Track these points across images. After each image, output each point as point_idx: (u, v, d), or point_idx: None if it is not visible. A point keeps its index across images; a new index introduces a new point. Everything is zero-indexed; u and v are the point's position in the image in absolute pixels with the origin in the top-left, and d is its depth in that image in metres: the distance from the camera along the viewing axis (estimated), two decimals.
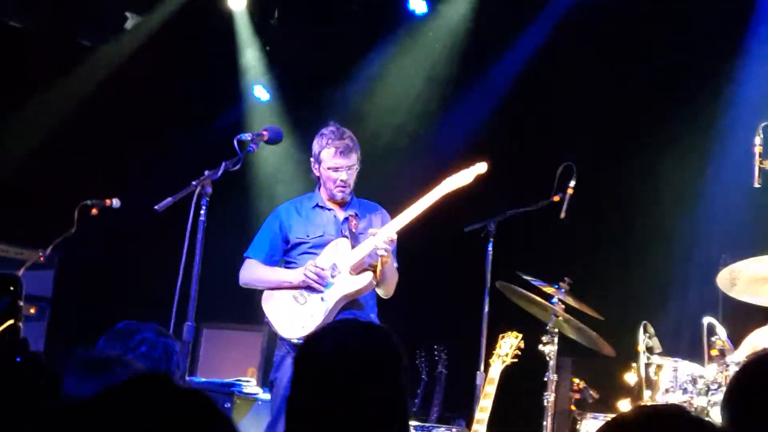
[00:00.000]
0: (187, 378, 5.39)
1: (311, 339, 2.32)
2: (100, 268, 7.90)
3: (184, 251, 4.33)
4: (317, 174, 5.07)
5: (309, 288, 4.90)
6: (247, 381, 6.37)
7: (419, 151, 7.88)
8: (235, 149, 4.43)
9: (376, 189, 5.66)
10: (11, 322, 2.04)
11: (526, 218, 5.90)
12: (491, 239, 5.68)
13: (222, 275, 5.95)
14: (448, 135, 7.90)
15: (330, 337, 2.23)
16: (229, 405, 6.07)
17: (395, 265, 5.08)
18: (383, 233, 4.87)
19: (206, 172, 4.37)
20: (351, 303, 4.95)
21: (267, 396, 6.09)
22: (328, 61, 8.00)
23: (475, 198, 7.62)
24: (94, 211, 5.61)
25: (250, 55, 8.05)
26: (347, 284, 4.89)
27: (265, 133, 4.53)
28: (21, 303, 2.11)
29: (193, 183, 4.35)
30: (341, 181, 4.98)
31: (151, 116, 8.01)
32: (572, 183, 5.63)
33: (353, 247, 4.97)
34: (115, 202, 5.77)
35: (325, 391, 2.12)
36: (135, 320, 2.98)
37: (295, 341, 4.87)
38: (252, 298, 6.13)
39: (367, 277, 4.89)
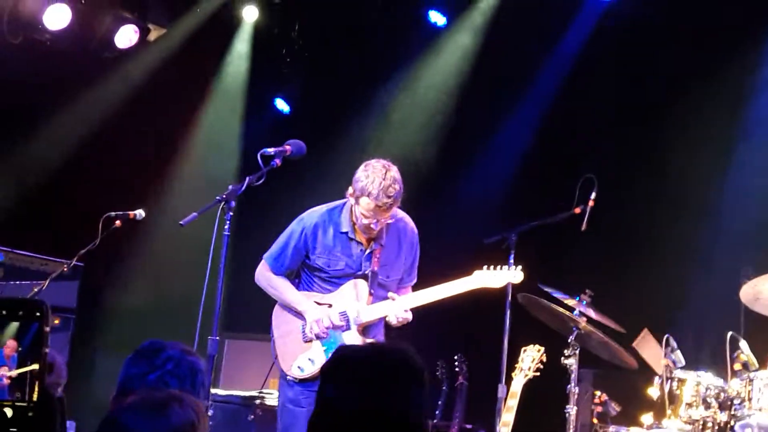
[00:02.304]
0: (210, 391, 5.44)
1: (341, 360, 2.33)
2: (125, 279, 7.97)
3: (209, 266, 4.36)
4: (354, 204, 4.87)
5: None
6: (270, 393, 6.40)
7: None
8: (258, 164, 4.47)
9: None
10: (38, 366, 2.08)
11: (547, 230, 5.90)
12: (512, 251, 5.67)
13: (246, 286, 6.00)
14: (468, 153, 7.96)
15: (361, 358, 2.27)
16: (252, 417, 6.10)
17: (413, 282, 5.12)
18: (405, 303, 4.87)
19: (230, 187, 4.41)
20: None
21: None
22: (349, 77, 8.05)
23: (497, 209, 7.69)
24: (118, 223, 5.65)
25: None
26: (353, 340, 4.88)
27: (288, 147, 4.54)
28: (47, 329, 2.13)
29: (217, 198, 4.39)
30: (370, 229, 4.87)
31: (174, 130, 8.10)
32: (593, 195, 5.62)
33: (371, 289, 4.91)
34: (139, 214, 5.81)
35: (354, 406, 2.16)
36: (159, 332, 3.00)
37: (289, 378, 4.91)
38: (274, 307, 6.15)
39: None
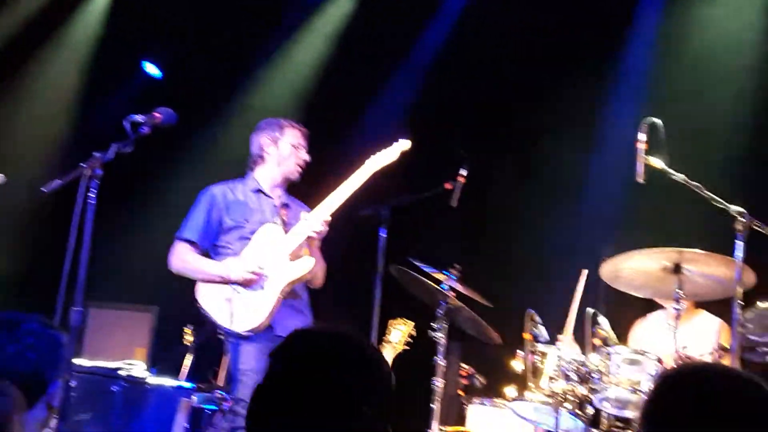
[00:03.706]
0: (73, 361, 5.28)
1: (298, 341, 2.25)
2: None
3: (72, 234, 4.22)
4: (268, 154, 5.13)
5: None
6: (135, 364, 6.27)
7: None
8: (126, 131, 4.34)
9: None
10: None
11: (419, 205, 5.95)
12: (384, 225, 5.71)
13: (111, 255, 5.84)
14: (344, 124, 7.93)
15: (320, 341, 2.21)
16: (116, 388, 5.97)
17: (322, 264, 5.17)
18: (317, 215, 4.93)
19: (96, 154, 4.27)
20: (288, 293, 4.94)
21: (156, 380, 6.03)
22: (224, 41, 7.89)
23: (369, 184, 7.70)
24: None
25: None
26: (290, 271, 4.89)
27: (158, 115, 4.43)
28: None
29: (82, 165, 4.25)
30: (303, 160, 5.14)
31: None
32: (464, 171, 5.70)
33: (285, 230, 4.99)
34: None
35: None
36: (18, 304, 2.90)
37: (244, 334, 4.85)
38: (141, 277, 6.05)
39: (310, 262, 4.90)
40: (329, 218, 4.98)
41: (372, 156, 5.16)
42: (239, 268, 4.89)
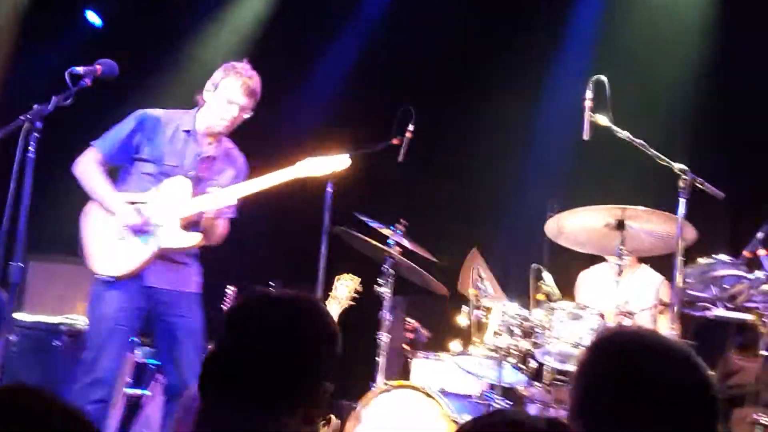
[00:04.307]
0: (14, 316, 5.21)
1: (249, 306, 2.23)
2: None
3: (11, 189, 4.13)
4: (204, 99, 4.97)
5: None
6: (77, 318, 6.21)
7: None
8: (66, 83, 4.23)
9: None
10: None
11: (366, 160, 5.93)
12: (331, 180, 5.68)
13: (52, 209, 5.73)
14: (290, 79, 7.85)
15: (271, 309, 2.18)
16: (58, 343, 5.91)
17: (231, 216, 5.04)
18: (225, 195, 4.80)
19: (35, 107, 4.16)
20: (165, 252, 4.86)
21: None
22: None
23: (316, 138, 7.64)
24: None
25: None
26: (172, 239, 4.79)
27: (99, 67, 4.31)
28: None
29: (21, 118, 4.13)
30: (231, 117, 4.93)
31: None
32: (411, 126, 5.68)
33: (194, 192, 4.86)
34: None
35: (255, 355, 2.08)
36: None
37: (104, 278, 4.76)
38: None
39: (193, 239, 4.80)
40: (235, 202, 4.86)
41: (308, 159, 4.91)
42: (127, 214, 4.77)
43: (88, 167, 4.91)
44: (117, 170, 5.01)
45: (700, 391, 1.93)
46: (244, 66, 5.00)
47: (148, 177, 4.88)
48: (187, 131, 4.96)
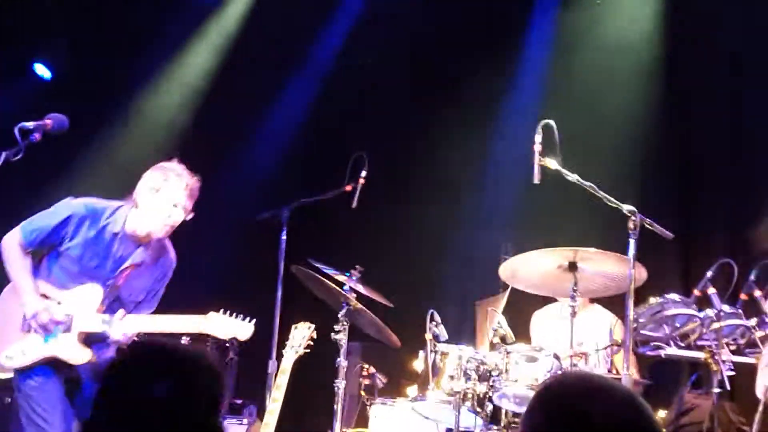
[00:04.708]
0: None
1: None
2: None
3: None
4: (138, 202, 4.76)
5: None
6: None
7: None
8: (15, 138, 4.19)
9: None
10: None
11: (319, 207, 5.95)
12: (285, 227, 5.69)
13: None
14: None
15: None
16: (9, 400, 5.81)
17: (124, 344, 4.77)
18: (124, 327, 4.64)
19: None
20: None
21: None
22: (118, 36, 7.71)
23: (268, 186, 7.66)
24: None
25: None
26: (65, 351, 4.62)
27: (49, 122, 4.26)
28: None
29: None
30: (174, 221, 4.77)
31: None
32: (363, 173, 5.72)
33: (105, 300, 4.72)
34: None
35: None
36: None
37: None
38: None
39: (84, 356, 4.63)
40: (131, 336, 4.69)
41: (218, 315, 4.67)
42: (33, 307, 4.63)
43: (12, 252, 4.76)
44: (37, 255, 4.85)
45: (644, 431, 1.95)
46: (179, 167, 4.84)
47: (68, 273, 4.76)
48: (115, 234, 4.78)
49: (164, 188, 4.76)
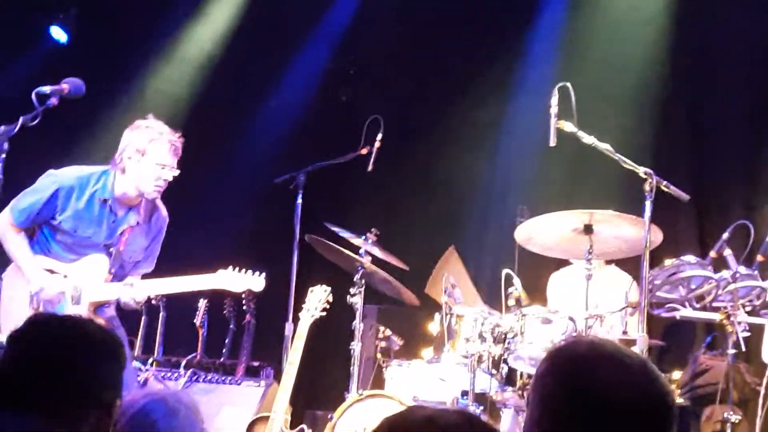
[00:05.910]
0: None
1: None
2: None
3: None
4: (124, 166, 4.75)
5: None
6: None
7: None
8: (32, 102, 4.20)
9: None
10: None
11: (335, 170, 5.96)
12: (300, 191, 5.70)
13: None
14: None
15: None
16: None
17: (135, 308, 4.92)
18: (139, 291, 4.71)
19: (2, 128, 4.13)
20: None
21: None
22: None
23: (286, 149, 7.66)
24: None
25: None
26: None
27: (65, 86, 4.28)
28: None
29: None
30: (165, 181, 4.76)
31: None
32: (379, 136, 5.71)
33: (112, 269, 4.76)
34: None
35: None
36: None
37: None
38: None
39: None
40: (144, 299, 4.80)
41: (228, 271, 4.70)
42: (40, 282, 4.67)
43: (7, 233, 4.80)
44: (31, 231, 4.87)
45: (655, 400, 1.93)
46: (161, 124, 4.81)
47: (66, 246, 4.78)
48: (104, 200, 4.78)
49: (149, 150, 4.73)
